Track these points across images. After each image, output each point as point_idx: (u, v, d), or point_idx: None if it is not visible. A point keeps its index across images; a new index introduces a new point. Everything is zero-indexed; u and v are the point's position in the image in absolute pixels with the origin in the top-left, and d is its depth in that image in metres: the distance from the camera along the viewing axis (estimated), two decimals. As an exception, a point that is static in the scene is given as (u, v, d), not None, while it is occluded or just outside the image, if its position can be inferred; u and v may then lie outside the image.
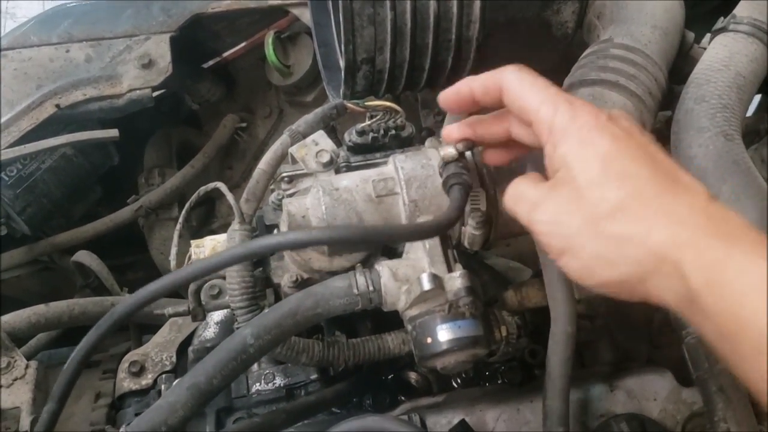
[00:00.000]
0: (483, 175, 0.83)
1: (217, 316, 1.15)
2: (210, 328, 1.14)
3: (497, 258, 1.34)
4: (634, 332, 1.19)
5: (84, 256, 1.39)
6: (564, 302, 0.81)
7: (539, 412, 0.90)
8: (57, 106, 1.34)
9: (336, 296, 0.82)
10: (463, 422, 0.84)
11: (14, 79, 1.35)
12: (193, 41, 1.52)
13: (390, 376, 1.08)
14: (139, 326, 1.41)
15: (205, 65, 1.63)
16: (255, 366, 1.08)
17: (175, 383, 0.79)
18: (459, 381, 1.08)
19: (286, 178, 0.96)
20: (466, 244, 0.85)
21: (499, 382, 1.06)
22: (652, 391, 0.92)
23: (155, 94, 1.39)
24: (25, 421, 1.17)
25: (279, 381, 1.04)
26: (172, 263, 0.92)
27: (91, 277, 1.50)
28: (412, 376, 1.08)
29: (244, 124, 1.62)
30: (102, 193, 1.62)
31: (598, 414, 0.91)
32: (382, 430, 0.81)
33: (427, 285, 0.77)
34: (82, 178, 1.48)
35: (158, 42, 1.40)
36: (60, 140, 1.34)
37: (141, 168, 1.62)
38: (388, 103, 0.94)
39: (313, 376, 1.05)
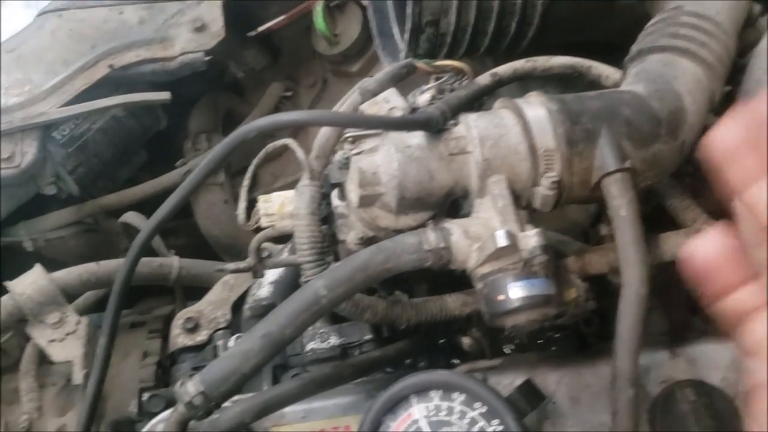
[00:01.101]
0: (558, 135, 0.83)
1: (271, 276, 1.17)
2: (264, 288, 1.15)
3: (546, 231, 1.35)
4: (687, 305, 1.20)
5: (132, 217, 1.41)
6: (637, 264, 0.80)
7: (601, 376, 0.91)
8: (110, 66, 1.35)
9: (406, 252, 0.82)
10: (528, 382, 0.85)
11: (69, 39, 1.36)
12: (241, 8, 1.52)
13: (442, 341, 1.09)
14: (184, 289, 1.42)
15: (253, 33, 1.63)
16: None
17: (247, 333, 0.80)
18: (512, 347, 1.09)
19: (350, 138, 0.97)
20: (537, 205, 0.85)
21: (553, 349, 1.07)
22: (714, 359, 0.92)
23: (207, 58, 1.39)
24: (78, 375, 1.19)
25: (334, 340, 1.05)
26: (240, 217, 0.92)
27: (136, 240, 1.51)
28: (465, 341, 1.08)
29: (289, 93, 1.62)
30: (146, 158, 1.63)
31: (659, 380, 0.91)
32: (451, 383, 0.82)
33: (502, 242, 0.78)
34: (131, 140, 1.49)
35: (211, 6, 1.41)
36: (113, 100, 1.35)
37: (185, 134, 1.63)
38: (457, 63, 0.94)
39: (367, 337, 1.06)
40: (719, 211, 0.97)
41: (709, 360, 0.92)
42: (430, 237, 0.82)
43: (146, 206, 1.49)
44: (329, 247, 0.90)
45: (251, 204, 0.95)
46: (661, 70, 0.94)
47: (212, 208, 1.53)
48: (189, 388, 0.79)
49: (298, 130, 1.53)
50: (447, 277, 0.97)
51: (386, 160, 0.86)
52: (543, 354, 1.01)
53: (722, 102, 1.07)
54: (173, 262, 1.36)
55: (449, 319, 0.94)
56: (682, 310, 1.24)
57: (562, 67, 1.05)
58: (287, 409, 0.88)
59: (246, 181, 0.93)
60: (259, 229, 0.96)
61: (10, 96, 1.30)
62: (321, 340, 1.06)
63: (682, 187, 1.03)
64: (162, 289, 1.51)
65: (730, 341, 0.89)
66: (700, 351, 0.93)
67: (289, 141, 0.91)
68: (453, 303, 0.93)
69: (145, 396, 1.02)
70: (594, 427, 0.88)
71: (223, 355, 0.81)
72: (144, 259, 1.34)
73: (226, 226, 1.53)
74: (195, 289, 1.38)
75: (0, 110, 1.27)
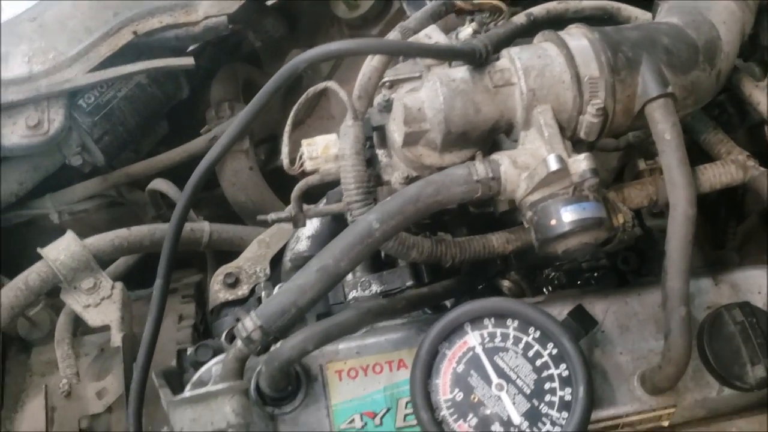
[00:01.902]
0: (601, 63, 0.84)
1: (308, 230, 1.17)
2: (302, 242, 1.16)
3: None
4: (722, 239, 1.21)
5: (160, 184, 1.41)
6: (684, 186, 0.82)
7: (648, 305, 0.92)
8: (134, 33, 1.35)
9: (456, 183, 0.83)
10: (580, 307, 0.86)
11: (91, 7, 1.36)
12: (260, -25, 1.53)
13: (482, 286, 1.10)
14: (215, 254, 1.43)
15: (271, 1, 1.64)
16: (350, 275, 1.10)
17: (302, 268, 0.80)
18: (550, 289, 1.10)
19: (387, 84, 0.98)
20: (582, 134, 0.86)
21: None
22: (757, 285, 0.94)
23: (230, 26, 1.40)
24: (117, 337, 1.20)
25: (375, 288, 1.06)
26: (285, 162, 0.93)
27: (162, 208, 1.52)
28: (505, 284, 1.09)
29: (308, 60, 1.62)
30: (168, 130, 1.63)
31: (704, 306, 0.92)
32: (505, 309, 0.83)
33: (554, 165, 0.79)
34: (154, 108, 1.49)
35: (231, -29, 1.41)
36: (138, 66, 1.35)
37: (206, 104, 1.63)
38: (495, 1, 0.95)
39: (409, 283, 1.07)
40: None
41: (751, 285, 0.94)
42: (479, 168, 0.83)
43: (172, 174, 1.49)
44: (374, 187, 0.91)
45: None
46: (694, 3, 0.96)
47: (238, 175, 1.53)
48: (246, 323, 0.79)
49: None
50: (484, 222, 0.98)
51: (431, 94, 0.87)
52: (585, 289, 1.02)
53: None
54: (204, 227, 1.36)
55: (492, 256, 0.95)
56: (715, 245, 1.26)
57: (593, 9, 1.06)
58: (341, 346, 0.89)
59: (288, 126, 0.94)
60: (303, 175, 0.97)
61: (34, 64, 1.30)
62: (362, 289, 1.06)
63: (714, 122, 1.04)
64: (185, 263, 1.52)
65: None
66: (742, 277, 0.95)
67: (330, 83, 0.91)
68: (497, 240, 0.94)
69: (190, 350, 1.02)
70: (643, 353, 0.89)
71: (278, 291, 0.81)
72: (175, 224, 1.35)
73: (252, 192, 1.53)
74: (225, 255, 1.38)
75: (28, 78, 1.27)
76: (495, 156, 0.85)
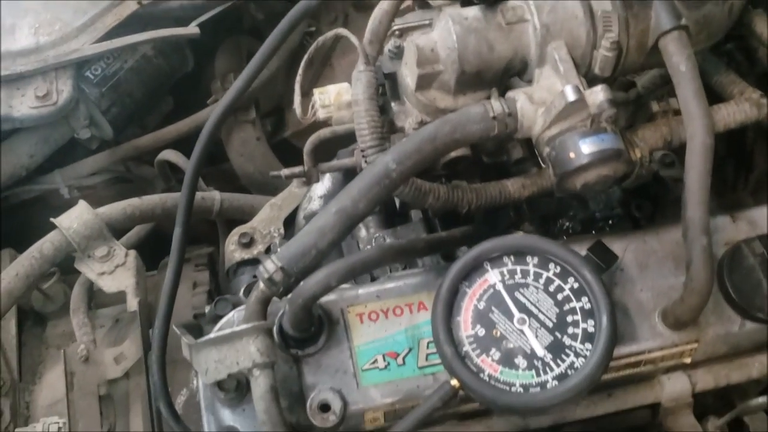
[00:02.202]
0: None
1: (319, 190, 1.17)
2: (314, 202, 1.16)
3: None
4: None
5: (170, 154, 1.41)
6: (701, 116, 0.81)
7: (667, 242, 0.92)
8: (139, 2, 1.35)
9: (472, 121, 0.83)
10: (600, 242, 0.86)
11: (96, -23, 1.36)
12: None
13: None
14: (226, 222, 1.43)
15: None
16: (363, 231, 1.10)
17: (321, 210, 0.80)
18: (564, 239, 1.10)
19: (396, 32, 0.97)
20: (597, 69, 0.86)
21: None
22: (775, 220, 0.94)
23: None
24: (133, 302, 1.20)
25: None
26: (298, 111, 0.93)
27: (171, 180, 1.52)
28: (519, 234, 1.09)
29: (312, 29, 1.62)
30: (173, 106, 1.63)
31: (723, 243, 0.92)
32: (524, 246, 0.83)
33: (571, 96, 0.78)
34: (160, 80, 1.50)
35: (233, -60, 1.40)
36: (144, 36, 1.35)
37: (212, 76, 1.63)
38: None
39: (423, 236, 1.07)
40: None
41: (770, 221, 0.94)
42: (495, 105, 0.83)
43: (180, 147, 1.49)
44: (387, 133, 0.91)
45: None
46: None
47: (245, 145, 1.53)
48: (268, 265, 0.79)
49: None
50: (498, 174, 0.98)
51: (444, 34, 0.86)
52: (601, 234, 1.02)
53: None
54: (215, 195, 1.36)
55: (508, 202, 0.95)
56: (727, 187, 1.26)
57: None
58: (361, 291, 0.89)
59: (299, 75, 0.94)
60: (315, 127, 0.97)
61: (41, 35, 1.30)
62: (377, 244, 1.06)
63: (725, 64, 1.04)
64: (195, 240, 1.52)
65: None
66: (759, 213, 0.95)
67: (342, 30, 0.91)
68: (512, 186, 0.94)
69: (208, 307, 1.02)
70: (664, 290, 0.89)
71: (298, 234, 0.81)
72: (186, 193, 1.35)
73: (260, 162, 1.53)
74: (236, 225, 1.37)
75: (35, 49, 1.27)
76: (510, 93, 0.85)
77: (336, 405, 0.82)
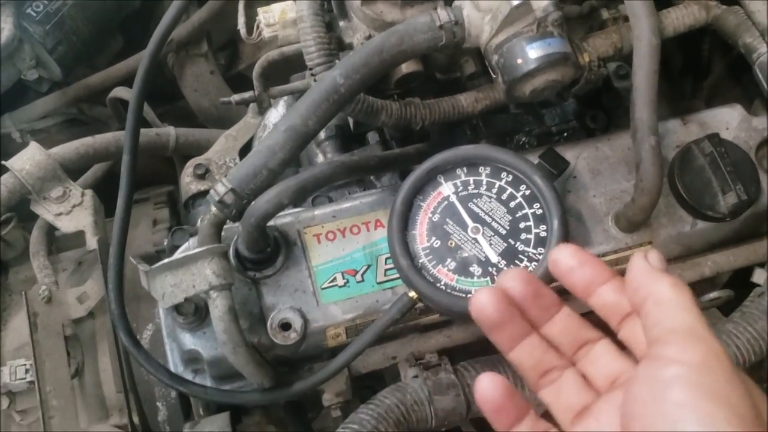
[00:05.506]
0: None
1: (274, 118, 1.16)
2: (269, 130, 1.14)
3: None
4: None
5: (121, 91, 1.38)
6: (646, 16, 0.81)
7: (619, 148, 0.93)
8: (77, -67, 1.29)
9: (419, 31, 0.82)
10: (551, 149, 0.86)
11: None
12: None
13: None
14: (183, 158, 1.41)
15: None
16: (321, 157, 1.09)
17: (270, 130, 0.79)
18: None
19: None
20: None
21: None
22: (724, 122, 0.95)
23: None
24: (92, 241, 1.19)
25: (347, 166, 1.05)
26: (242, 31, 0.91)
27: (125, 119, 1.48)
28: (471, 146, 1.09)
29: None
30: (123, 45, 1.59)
31: (674, 145, 0.93)
32: (476, 156, 0.83)
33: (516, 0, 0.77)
34: (107, 17, 1.44)
35: None
36: (84, -33, 1.30)
37: (159, 18, 1.57)
38: None
39: (377, 153, 1.06)
40: None
41: (719, 122, 0.95)
42: (441, 14, 0.82)
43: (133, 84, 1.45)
44: (335, 50, 0.89)
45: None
46: None
47: (199, 80, 1.50)
48: (218, 188, 0.79)
49: None
50: (452, 91, 0.97)
51: None
52: (556, 145, 1.02)
53: None
54: (170, 131, 1.34)
55: (462, 117, 0.95)
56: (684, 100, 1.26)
57: None
58: (317, 212, 0.89)
59: (243, -5, 0.91)
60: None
61: (-25, -29, 1.25)
62: (335, 167, 1.06)
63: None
64: (153, 179, 1.50)
65: (738, 105, 0.91)
66: (709, 115, 0.95)
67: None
68: (465, 100, 0.94)
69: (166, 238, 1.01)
70: (617, 194, 0.90)
71: (248, 155, 0.80)
72: (142, 129, 1.32)
73: (215, 96, 1.49)
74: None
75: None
76: (457, 2, 0.83)
77: (297, 323, 0.82)
